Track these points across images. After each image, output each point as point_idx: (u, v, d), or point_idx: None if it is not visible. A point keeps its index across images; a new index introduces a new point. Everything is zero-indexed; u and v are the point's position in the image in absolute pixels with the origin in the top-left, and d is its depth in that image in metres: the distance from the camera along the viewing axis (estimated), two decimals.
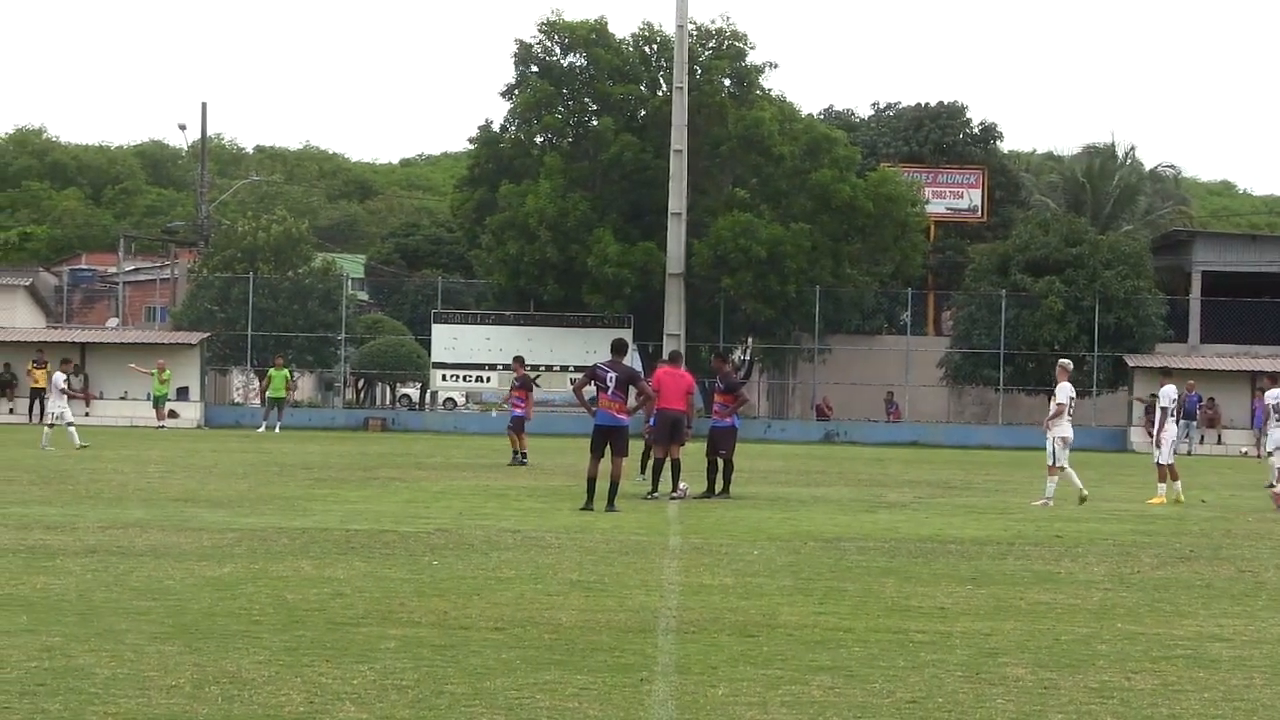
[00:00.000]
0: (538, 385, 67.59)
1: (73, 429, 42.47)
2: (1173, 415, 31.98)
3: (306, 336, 68.33)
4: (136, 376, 62.40)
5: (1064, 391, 30.12)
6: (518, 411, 40.07)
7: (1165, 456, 31.58)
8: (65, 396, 43.55)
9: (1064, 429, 29.87)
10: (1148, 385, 63.29)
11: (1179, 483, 31.50)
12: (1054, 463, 29.71)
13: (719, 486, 29.31)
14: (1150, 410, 62.57)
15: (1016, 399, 71.12)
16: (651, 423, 29.44)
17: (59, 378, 43.80)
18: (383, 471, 35.09)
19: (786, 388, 78.62)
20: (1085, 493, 29.58)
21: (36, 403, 62.11)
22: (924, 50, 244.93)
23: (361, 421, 65.12)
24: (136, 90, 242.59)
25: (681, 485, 28.69)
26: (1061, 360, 31.65)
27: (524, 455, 39.12)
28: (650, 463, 30.36)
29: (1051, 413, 30.30)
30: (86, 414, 62.87)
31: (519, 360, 43.10)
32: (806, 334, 69.36)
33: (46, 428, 42.96)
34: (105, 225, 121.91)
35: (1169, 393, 32.05)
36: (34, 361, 62.46)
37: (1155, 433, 32.13)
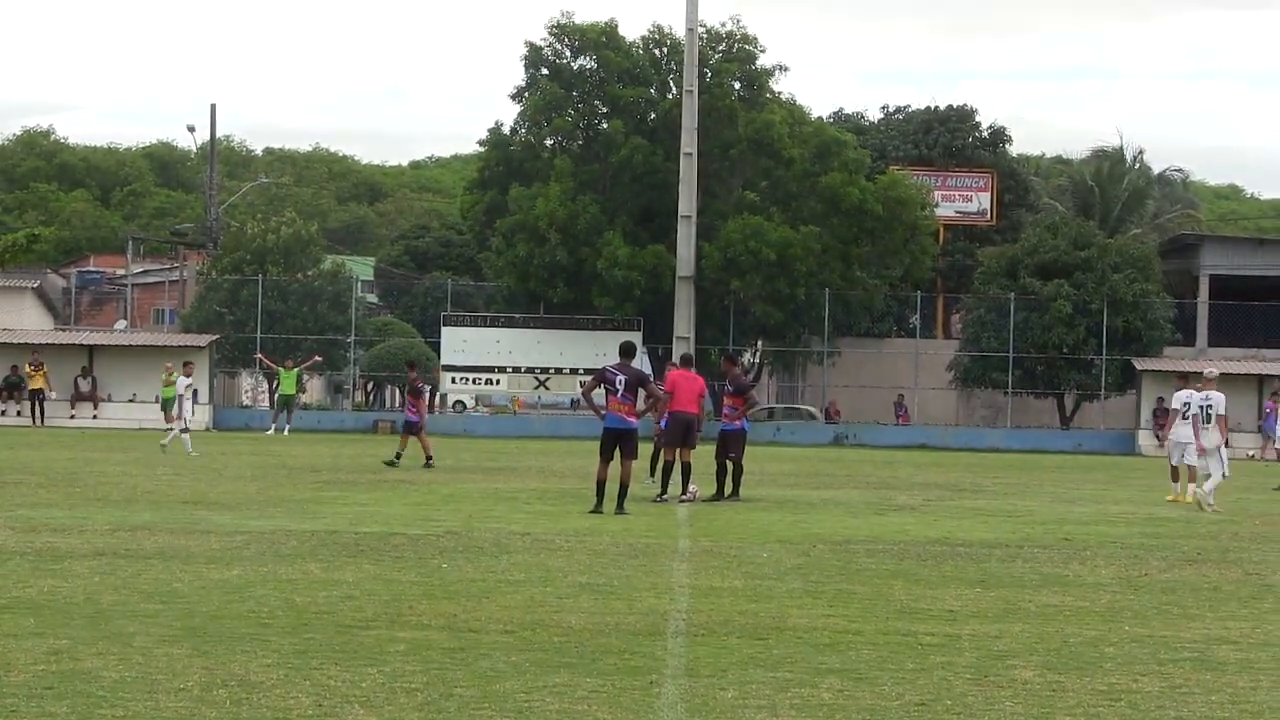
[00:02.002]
0: (545, 388, 67.89)
1: (187, 435, 41.59)
2: (1184, 418, 32.30)
3: (316, 339, 68.31)
4: (144, 380, 62.45)
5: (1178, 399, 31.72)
6: (412, 417, 39.74)
7: (1176, 458, 31.99)
8: (192, 401, 43.04)
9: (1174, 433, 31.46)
10: (1156, 389, 63.41)
11: (1192, 485, 31.72)
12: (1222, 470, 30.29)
13: (728, 489, 29.33)
14: (1157, 414, 62.95)
15: (1026, 402, 71.12)
16: (663, 425, 29.46)
17: (183, 382, 43.28)
18: (392, 474, 35.09)
19: (796, 390, 78.60)
20: (1171, 497, 30.98)
21: (36, 404, 62.07)
22: (935, 53, 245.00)
23: (371, 424, 65.10)
24: (145, 92, 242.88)
25: (691, 488, 28.70)
26: (1206, 370, 32.52)
27: (398, 456, 38.46)
28: (659, 465, 30.43)
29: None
30: (94, 416, 62.97)
31: (410, 364, 43.30)
32: (816, 337, 69.38)
33: (182, 434, 42.02)
34: (113, 227, 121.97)
35: (1182, 396, 32.45)
36: (30, 363, 62.44)
37: (1165, 434, 32.69)
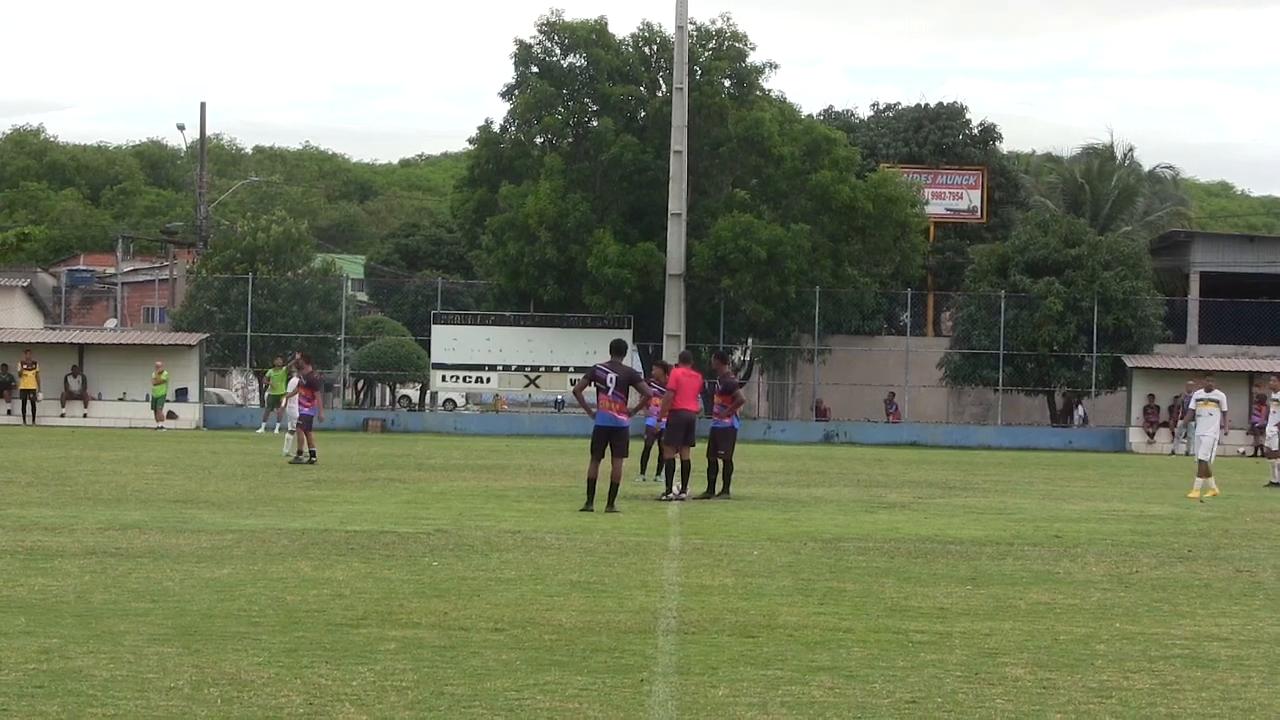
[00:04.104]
0: (536, 386, 67.87)
1: (290, 436, 41.28)
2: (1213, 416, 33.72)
3: (306, 337, 68.21)
4: (134, 379, 62.42)
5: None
6: (305, 410, 38.98)
7: (1204, 453, 33.25)
8: (298, 401, 42.61)
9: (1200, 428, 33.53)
10: (1147, 386, 63.53)
11: (1211, 479, 32.70)
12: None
13: (719, 487, 29.33)
14: (1148, 411, 63.13)
15: (1016, 399, 71.18)
16: (663, 424, 29.40)
17: (295, 383, 42.87)
18: (382, 472, 35.09)
19: (786, 388, 78.56)
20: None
21: (28, 403, 61.96)
22: (925, 50, 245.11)
23: (361, 422, 65.05)
24: (135, 91, 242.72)
25: (677, 486, 28.69)
26: (1272, 378, 34.18)
27: (312, 453, 38.21)
28: (652, 463, 30.42)
29: None
30: (84, 415, 62.90)
31: (305, 357, 42.91)
32: (806, 335, 69.33)
33: (288, 434, 41.66)
34: (103, 226, 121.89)
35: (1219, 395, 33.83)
36: (23, 363, 62.33)
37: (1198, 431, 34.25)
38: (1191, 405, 35.02)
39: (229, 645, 12.21)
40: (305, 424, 38.91)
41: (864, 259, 68.44)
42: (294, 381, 43.09)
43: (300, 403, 39.52)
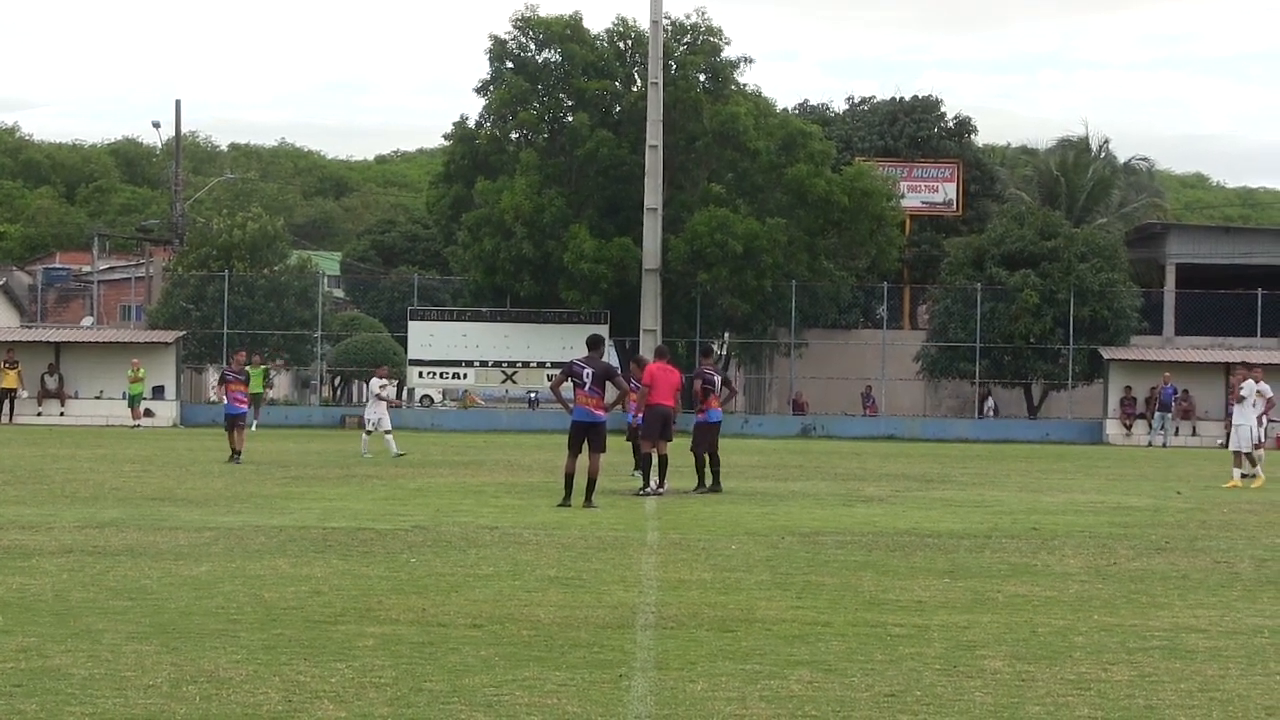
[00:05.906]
0: (513, 381, 67.78)
1: (389, 436, 40.94)
2: (1253, 406, 34.54)
3: (283, 334, 68.13)
4: (111, 376, 62.29)
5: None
6: (240, 408, 37.99)
7: (1235, 443, 34.59)
8: (384, 403, 42.13)
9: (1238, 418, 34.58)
10: (1123, 378, 63.68)
11: (1237, 469, 34.16)
12: None
13: (709, 480, 29.39)
14: (1124, 402, 63.30)
15: (993, 392, 71.26)
16: (639, 419, 29.41)
17: (376, 383, 42.44)
18: (360, 469, 35.04)
19: (763, 382, 78.60)
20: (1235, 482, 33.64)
21: (5, 403, 61.81)
22: (900, 43, 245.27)
23: (338, 419, 64.97)
24: (110, 88, 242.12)
25: (654, 481, 28.69)
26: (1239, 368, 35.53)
27: (236, 453, 37.01)
28: (635, 457, 30.47)
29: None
30: (61, 413, 62.77)
31: (240, 351, 42.39)
32: (783, 329, 69.41)
33: (364, 434, 41.56)
34: (79, 224, 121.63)
35: (1250, 386, 34.21)
36: (5, 361, 62.19)
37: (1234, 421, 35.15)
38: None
39: (207, 643, 12.19)
40: (237, 422, 37.95)
41: (840, 252, 68.58)
42: (375, 382, 42.15)
43: (235, 398, 38.31)
